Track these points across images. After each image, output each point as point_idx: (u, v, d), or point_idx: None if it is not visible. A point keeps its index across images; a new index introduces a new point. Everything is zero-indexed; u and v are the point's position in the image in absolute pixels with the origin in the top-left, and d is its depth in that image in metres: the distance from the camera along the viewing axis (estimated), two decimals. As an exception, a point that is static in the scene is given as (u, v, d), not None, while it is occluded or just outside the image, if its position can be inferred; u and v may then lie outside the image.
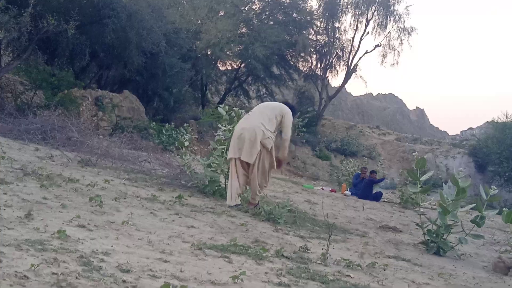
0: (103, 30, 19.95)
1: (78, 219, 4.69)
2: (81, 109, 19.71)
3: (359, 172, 18.73)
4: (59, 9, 18.54)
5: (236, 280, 3.62)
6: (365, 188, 16.84)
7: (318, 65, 39.10)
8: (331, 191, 17.98)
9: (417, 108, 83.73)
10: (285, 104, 8.38)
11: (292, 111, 8.31)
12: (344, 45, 39.33)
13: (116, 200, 6.22)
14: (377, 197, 16.53)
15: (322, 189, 18.29)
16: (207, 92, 35.45)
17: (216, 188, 8.69)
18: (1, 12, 15.64)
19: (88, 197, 5.84)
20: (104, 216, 5.17)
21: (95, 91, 21.78)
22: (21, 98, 18.91)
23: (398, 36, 38.51)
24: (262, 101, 39.20)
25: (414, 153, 19.13)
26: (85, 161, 9.65)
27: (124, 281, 3.15)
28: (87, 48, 20.75)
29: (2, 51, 19.18)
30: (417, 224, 7.63)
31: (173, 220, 5.74)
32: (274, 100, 38.17)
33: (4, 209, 4.51)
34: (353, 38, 39.12)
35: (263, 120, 7.92)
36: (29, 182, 6.25)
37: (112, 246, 4.00)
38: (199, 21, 29.35)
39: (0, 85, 19.02)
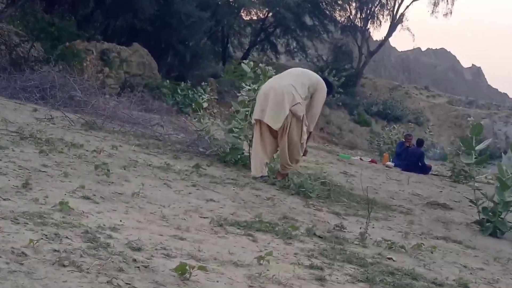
0: (110, -28, 19.93)
1: (82, 189, 4.74)
2: (85, 64, 19.83)
3: (403, 140, 18.64)
4: None
5: (261, 261, 3.64)
6: (410, 158, 16.77)
7: (358, 15, 38.74)
8: (371, 161, 17.97)
9: (473, 66, 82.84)
10: (324, 80, 8.25)
11: (328, 91, 8.18)
12: (389, -9, 38.77)
13: (125, 169, 6.27)
14: (424, 169, 16.46)
15: (361, 159, 18.26)
16: (228, 45, 35.39)
17: (239, 156, 8.72)
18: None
19: (93, 165, 5.89)
20: (112, 186, 5.22)
21: (101, 43, 21.86)
22: (16, 51, 19.04)
23: (453, -20, 37.81)
24: (292, 57, 39.17)
25: (468, 119, 19.05)
26: (90, 124, 9.73)
27: (134, 260, 3.19)
28: (91, -6, 20.78)
29: (-5, -3, 19.26)
30: (471, 201, 7.60)
31: (189, 193, 5.78)
32: (306, 56, 38.04)
33: (-1, 178, 4.58)
34: (399, -18, 38.53)
35: (295, 83, 7.73)
36: (26, 147, 6.32)
37: (121, 220, 4.04)
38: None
39: (-7, 36, 19.14)
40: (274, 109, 7.57)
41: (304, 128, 7.79)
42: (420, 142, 17.87)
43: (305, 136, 7.86)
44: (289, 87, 7.62)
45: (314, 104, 7.93)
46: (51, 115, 9.75)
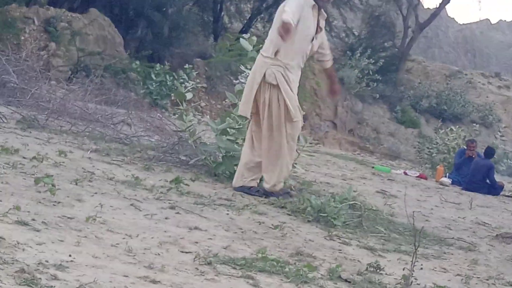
0: None
1: (17, 212, 4.75)
2: (23, 38, 19.84)
3: (465, 147, 18.60)
4: None
5: (265, 315, 3.65)
6: (474, 173, 16.72)
7: (403, -27, 38.71)
8: (420, 176, 17.93)
9: None
10: None
11: None
12: None
13: (77, 184, 6.28)
14: (494, 188, 16.40)
15: (405, 173, 18.25)
16: (223, 14, 35.34)
17: (235, 167, 8.69)
18: None
19: (32, 178, 5.90)
20: (58, 208, 5.22)
21: (45, 9, 21.87)
22: None
23: None
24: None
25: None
26: (29, 121, 9.74)
27: (88, 311, 3.20)
28: None
29: None
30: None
31: (166, 218, 5.78)
32: (331, 29, 37.99)
33: None
34: None
35: (264, 46, 8.10)
36: None
37: (70, 255, 4.04)
38: None
39: None
40: (246, 92, 7.92)
41: (288, 103, 7.77)
42: (489, 152, 17.75)
43: (291, 116, 7.82)
44: (258, 55, 7.98)
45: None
46: (-25, 108, 9.79)
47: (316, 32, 8.01)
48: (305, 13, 7.88)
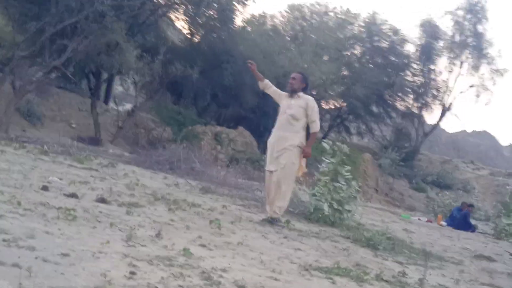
0: (222, 74, 20.56)
1: (200, 239, 4.81)
2: (202, 143, 20.30)
3: (458, 206, 18.16)
4: (185, 56, 19.39)
5: (339, 300, 3.56)
6: (461, 219, 16.18)
7: (415, 104, 38.30)
8: (428, 221, 17.42)
9: (511, 144, 79.76)
10: None
11: None
12: (439, 85, 38.33)
13: (232, 224, 6.33)
14: (470, 228, 15.82)
15: (419, 219, 17.73)
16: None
17: (320, 215, 8.61)
18: (137, 60, 16.71)
19: (208, 220, 5.98)
20: (222, 237, 5.27)
21: (214, 127, 22.38)
22: (152, 134, 19.76)
23: (491, 78, 37.30)
24: (362, 137, 38.84)
25: (508, 187, 18.30)
26: (206, 189, 9.90)
27: (240, 295, 3.19)
28: (208, 90, 21.45)
29: (137, 93, 20.17)
30: (511, 254, 7.20)
31: (281, 243, 5.75)
32: (373, 136, 37.61)
33: (138, 229, 4.70)
34: (447, 79, 38.10)
35: None
36: (158, 205, 6.49)
37: (229, 264, 4.07)
38: (306, 65, 29.46)
39: (135, 122, 19.98)
40: None
41: None
42: (470, 206, 17.39)
43: None
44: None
45: None
46: (177, 182, 10.01)
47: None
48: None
